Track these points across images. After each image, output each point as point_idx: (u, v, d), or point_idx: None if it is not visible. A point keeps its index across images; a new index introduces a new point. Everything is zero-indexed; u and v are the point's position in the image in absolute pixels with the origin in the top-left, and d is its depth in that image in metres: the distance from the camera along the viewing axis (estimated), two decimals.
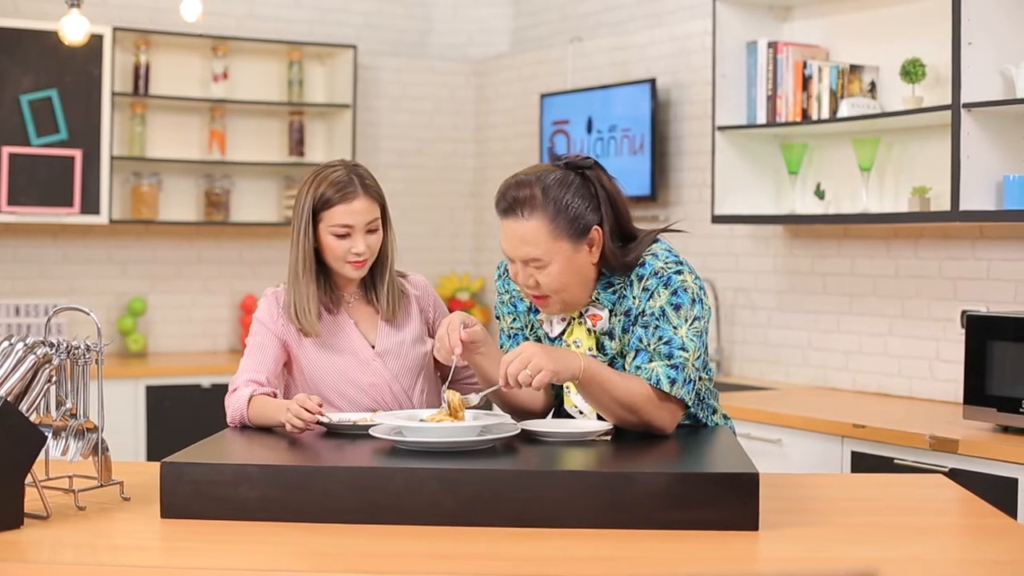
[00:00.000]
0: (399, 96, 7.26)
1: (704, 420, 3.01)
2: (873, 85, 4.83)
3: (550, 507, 2.37)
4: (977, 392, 3.90)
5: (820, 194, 5.03)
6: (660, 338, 2.80)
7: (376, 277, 3.21)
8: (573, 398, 2.98)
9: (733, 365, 5.62)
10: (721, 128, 5.15)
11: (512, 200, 2.81)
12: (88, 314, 2.59)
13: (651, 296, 2.82)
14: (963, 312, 4.43)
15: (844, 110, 4.74)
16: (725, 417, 3.10)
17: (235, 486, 2.43)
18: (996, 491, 3.65)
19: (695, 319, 2.81)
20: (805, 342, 5.27)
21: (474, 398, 2.84)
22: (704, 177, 5.68)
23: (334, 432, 2.90)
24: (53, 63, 6.01)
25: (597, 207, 2.83)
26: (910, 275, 4.82)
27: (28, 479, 2.39)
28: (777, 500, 2.60)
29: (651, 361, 2.79)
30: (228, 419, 3.07)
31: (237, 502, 2.43)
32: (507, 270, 3.08)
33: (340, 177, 3.11)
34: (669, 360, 2.78)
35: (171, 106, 6.55)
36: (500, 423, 2.74)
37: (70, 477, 2.65)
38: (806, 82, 4.88)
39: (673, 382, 2.78)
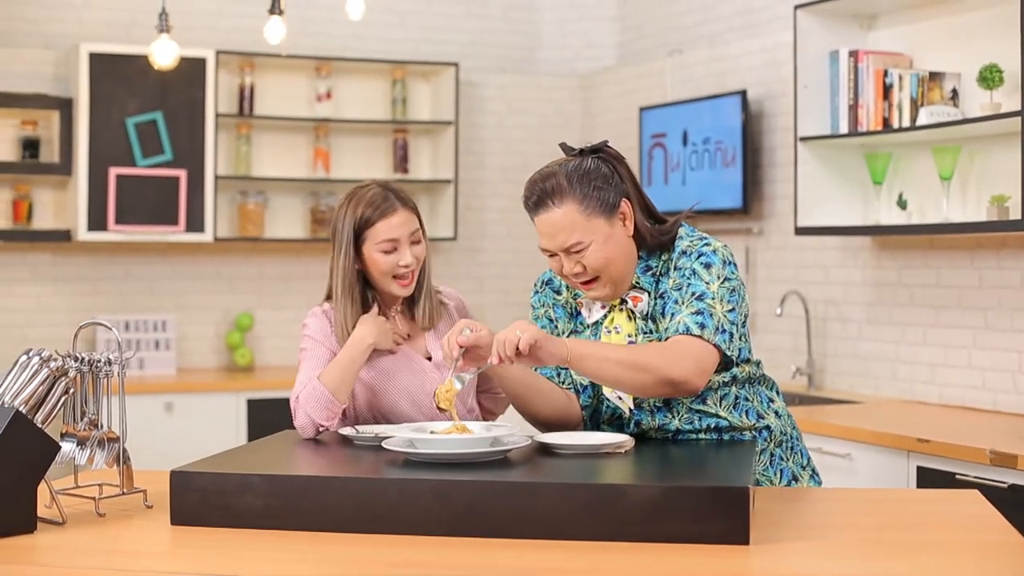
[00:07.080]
0: (505, 112, 7.32)
1: (744, 429, 2.93)
2: (955, 92, 4.72)
3: (540, 519, 2.39)
4: None
5: (902, 204, 4.94)
6: (692, 293, 2.81)
7: (417, 289, 3.25)
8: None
9: (825, 379, 5.54)
10: (804, 139, 5.09)
11: (540, 192, 2.85)
12: (110, 328, 2.70)
13: (682, 270, 2.86)
14: None
15: (923, 118, 4.65)
16: (767, 429, 2.96)
17: (239, 495, 2.50)
18: None
19: (726, 279, 2.82)
20: (893, 355, 5.17)
21: (456, 383, 2.82)
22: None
23: (360, 444, 2.95)
24: (157, 87, 6.24)
25: (620, 182, 2.89)
26: (993, 286, 4.69)
27: (43, 487, 2.50)
28: (781, 514, 2.57)
29: (680, 314, 2.80)
30: (299, 424, 3.09)
31: (242, 510, 2.50)
32: (544, 284, 3.10)
33: (376, 195, 3.18)
34: (695, 308, 2.78)
35: (276, 126, 6.73)
36: (511, 434, 2.76)
37: (99, 485, 2.75)
38: (887, 91, 4.80)
39: (703, 327, 2.76)
